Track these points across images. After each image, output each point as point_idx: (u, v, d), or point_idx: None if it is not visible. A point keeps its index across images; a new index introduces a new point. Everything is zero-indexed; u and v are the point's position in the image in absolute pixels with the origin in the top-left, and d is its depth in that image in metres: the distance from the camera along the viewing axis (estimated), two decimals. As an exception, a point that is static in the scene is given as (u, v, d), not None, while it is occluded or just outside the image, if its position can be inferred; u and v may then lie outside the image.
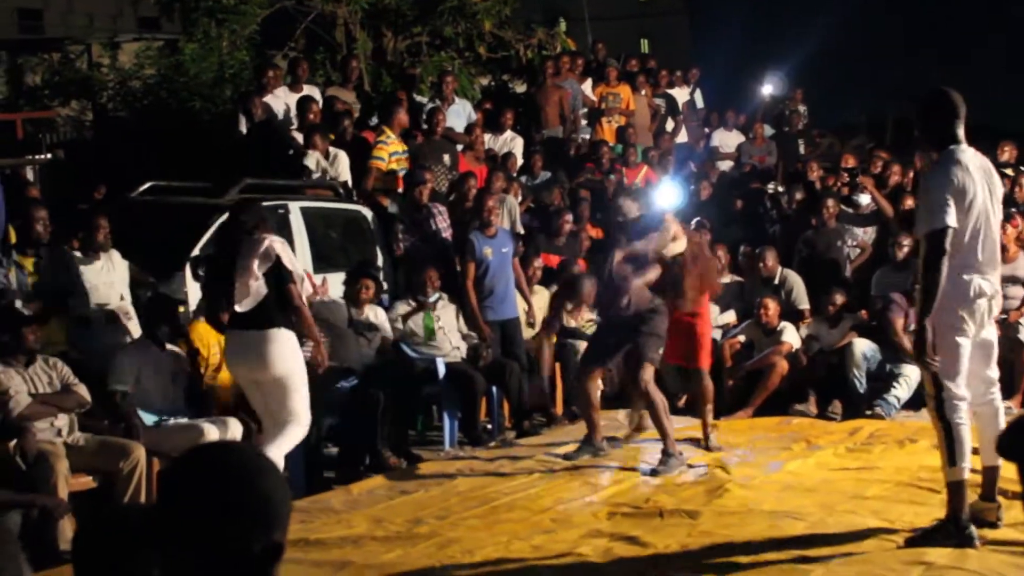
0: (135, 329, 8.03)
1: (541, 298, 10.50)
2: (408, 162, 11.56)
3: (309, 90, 12.21)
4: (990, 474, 6.04)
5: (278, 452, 6.84)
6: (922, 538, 5.92)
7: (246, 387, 7.30)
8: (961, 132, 5.86)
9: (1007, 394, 9.81)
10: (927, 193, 5.90)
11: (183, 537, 1.99)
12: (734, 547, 6.09)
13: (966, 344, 5.88)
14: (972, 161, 5.84)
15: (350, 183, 10.90)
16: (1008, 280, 10.16)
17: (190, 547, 1.99)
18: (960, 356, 5.86)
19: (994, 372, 6.16)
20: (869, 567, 5.70)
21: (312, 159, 10.73)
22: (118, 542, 2.45)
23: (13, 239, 8.23)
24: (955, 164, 5.77)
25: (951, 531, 5.81)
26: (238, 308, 6.94)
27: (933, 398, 5.88)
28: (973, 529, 5.79)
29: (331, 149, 10.94)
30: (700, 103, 17.65)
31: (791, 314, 10.49)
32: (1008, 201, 10.85)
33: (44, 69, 19.57)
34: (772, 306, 10.21)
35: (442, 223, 10.49)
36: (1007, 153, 12.59)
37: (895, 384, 9.78)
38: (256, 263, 6.85)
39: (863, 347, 9.93)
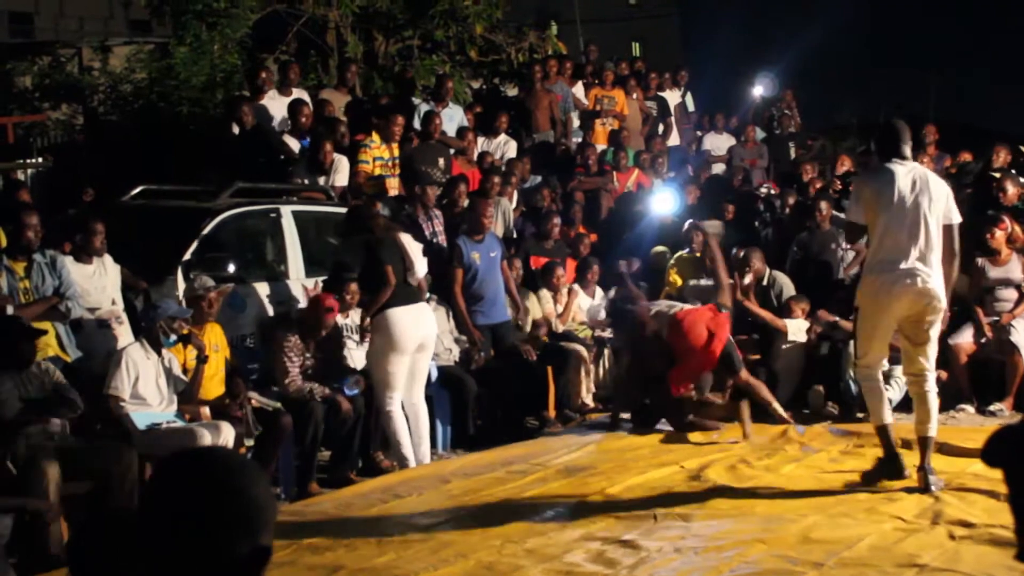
0: (127, 333, 8.02)
1: (528, 301, 10.50)
2: (394, 168, 11.56)
3: (298, 93, 12.21)
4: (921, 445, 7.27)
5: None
6: (870, 475, 7.26)
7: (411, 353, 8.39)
8: (907, 150, 7.19)
9: (998, 396, 9.87)
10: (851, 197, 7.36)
11: (168, 542, 1.99)
12: (728, 550, 6.09)
13: (883, 325, 7.16)
14: (904, 173, 7.06)
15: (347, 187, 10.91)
16: (1000, 283, 10.20)
17: (175, 552, 1.99)
18: (875, 334, 7.19)
19: (930, 352, 7.35)
20: (863, 569, 5.70)
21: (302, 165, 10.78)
22: (115, 546, 2.44)
23: (3, 243, 8.21)
24: (882, 174, 7.11)
25: (887, 467, 7.22)
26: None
27: (854, 365, 7.53)
28: (902, 459, 7.20)
29: (335, 155, 10.95)
30: (691, 106, 17.67)
31: (780, 315, 10.49)
32: (995, 205, 10.91)
33: (34, 73, 19.52)
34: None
35: (438, 227, 10.48)
36: (1001, 157, 12.60)
37: (887, 386, 9.77)
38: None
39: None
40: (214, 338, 8.05)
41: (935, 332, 7.28)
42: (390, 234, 8.71)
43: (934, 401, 7.35)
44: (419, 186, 10.60)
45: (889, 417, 7.31)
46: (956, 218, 7.11)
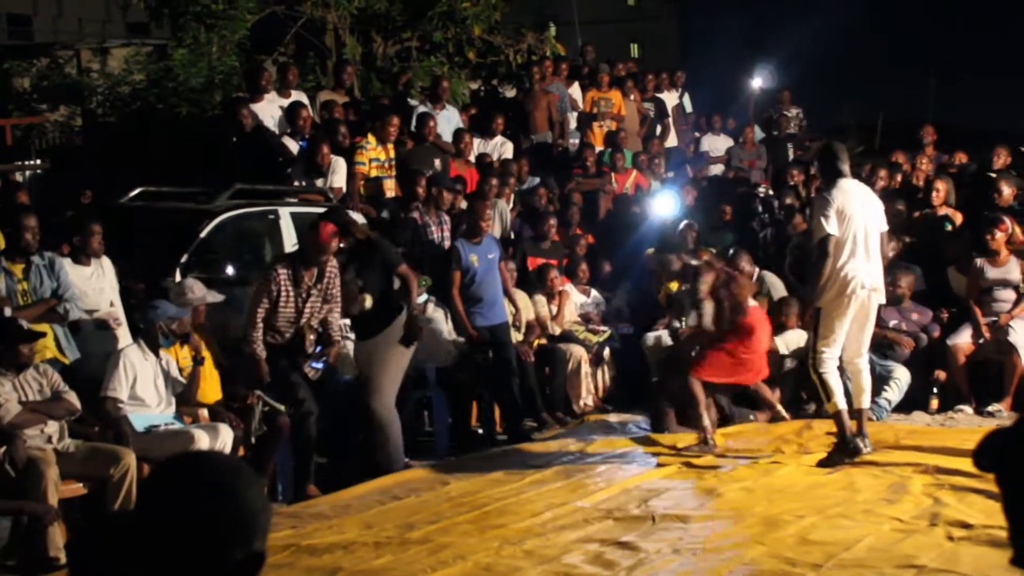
0: (125, 335, 8.01)
1: (523, 300, 10.50)
2: (391, 170, 11.56)
3: (297, 95, 12.22)
4: (856, 416, 8.13)
5: None
6: (826, 459, 7.95)
7: None
8: (847, 168, 8.13)
9: (997, 397, 9.87)
10: (815, 211, 8.01)
11: (163, 545, 2.00)
12: (726, 552, 6.10)
13: (844, 321, 7.97)
14: (854, 188, 8.09)
15: (345, 189, 10.89)
16: (998, 283, 10.20)
17: (170, 556, 1.99)
18: (837, 329, 7.97)
19: (867, 339, 8.29)
20: (861, 571, 5.71)
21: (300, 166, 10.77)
22: (114, 548, 2.44)
23: (1, 245, 8.20)
24: (841, 190, 7.94)
25: (842, 448, 7.96)
26: None
27: (812, 357, 8.02)
28: (858, 442, 7.93)
29: (331, 156, 10.95)
30: (689, 107, 17.67)
31: (781, 316, 10.46)
32: (993, 206, 10.92)
33: (33, 74, 19.54)
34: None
35: (446, 232, 10.45)
36: (1001, 159, 12.60)
37: (886, 387, 9.79)
38: None
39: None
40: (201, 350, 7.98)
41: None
42: (372, 236, 8.71)
43: (868, 376, 8.36)
44: (436, 187, 10.59)
45: (844, 403, 8.02)
46: (885, 226, 8.25)
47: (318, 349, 8.24)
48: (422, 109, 12.99)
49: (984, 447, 2.34)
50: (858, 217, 7.95)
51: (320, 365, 8.20)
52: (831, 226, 7.83)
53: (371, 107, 13.21)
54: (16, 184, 12.76)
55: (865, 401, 8.29)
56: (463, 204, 10.98)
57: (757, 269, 10.86)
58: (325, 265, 8.23)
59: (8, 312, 7.22)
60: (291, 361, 8.17)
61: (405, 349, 8.43)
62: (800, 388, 10.12)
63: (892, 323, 10.18)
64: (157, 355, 7.58)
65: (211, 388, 7.97)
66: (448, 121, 13.13)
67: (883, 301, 8.34)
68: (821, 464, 7.96)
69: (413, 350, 8.57)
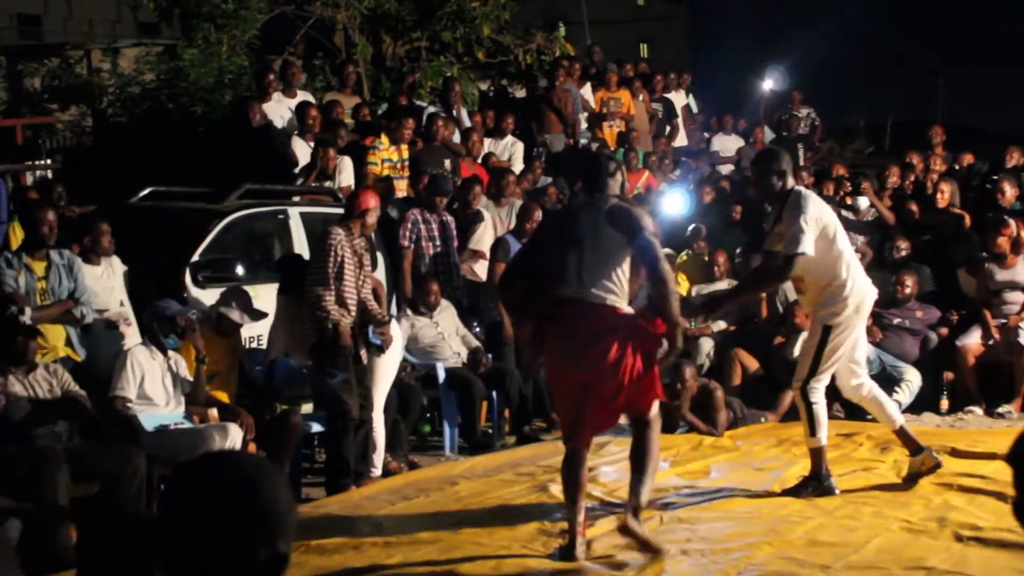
0: (134, 335, 8.04)
1: None
2: (403, 171, 11.57)
3: (303, 95, 12.23)
4: (903, 433, 7.42)
5: None
6: (792, 491, 7.22)
7: None
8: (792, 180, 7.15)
9: (1007, 398, 9.86)
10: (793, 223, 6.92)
11: (186, 546, 1.99)
12: (734, 553, 6.09)
13: (848, 345, 7.14)
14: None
15: (353, 188, 10.91)
16: (1007, 285, 10.19)
17: (193, 557, 1.98)
18: (840, 354, 7.12)
19: (862, 356, 7.42)
20: (870, 572, 5.70)
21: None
22: (123, 548, 2.45)
23: (16, 242, 8.25)
24: (812, 201, 7.00)
25: (814, 485, 7.17)
26: None
27: (802, 381, 7.14)
28: (832, 480, 7.19)
29: (338, 156, 10.97)
30: (695, 108, 17.68)
31: (793, 317, 10.45)
32: (997, 207, 10.91)
33: (44, 75, 19.56)
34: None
35: (451, 231, 10.45)
36: (1014, 159, 12.57)
37: (897, 388, 9.77)
38: None
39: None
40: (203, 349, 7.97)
41: None
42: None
43: (879, 389, 7.60)
44: (432, 189, 10.61)
45: (826, 439, 7.24)
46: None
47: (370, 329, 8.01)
48: (431, 111, 13.00)
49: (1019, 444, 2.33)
50: (841, 226, 7.19)
51: (380, 342, 8.03)
52: (807, 243, 6.84)
53: (388, 108, 13.19)
54: (25, 187, 12.79)
55: (898, 415, 7.58)
56: (480, 202, 10.96)
57: None
58: (370, 233, 8.14)
59: (28, 312, 7.27)
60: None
61: (391, 358, 8.37)
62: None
63: (896, 321, 10.19)
64: (165, 354, 7.59)
65: (224, 387, 7.98)
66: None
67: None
68: (786, 493, 7.26)
69: (399, 359, 8.56)
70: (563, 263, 6.06)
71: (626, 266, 6.06)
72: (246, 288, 8.52)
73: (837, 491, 7.16)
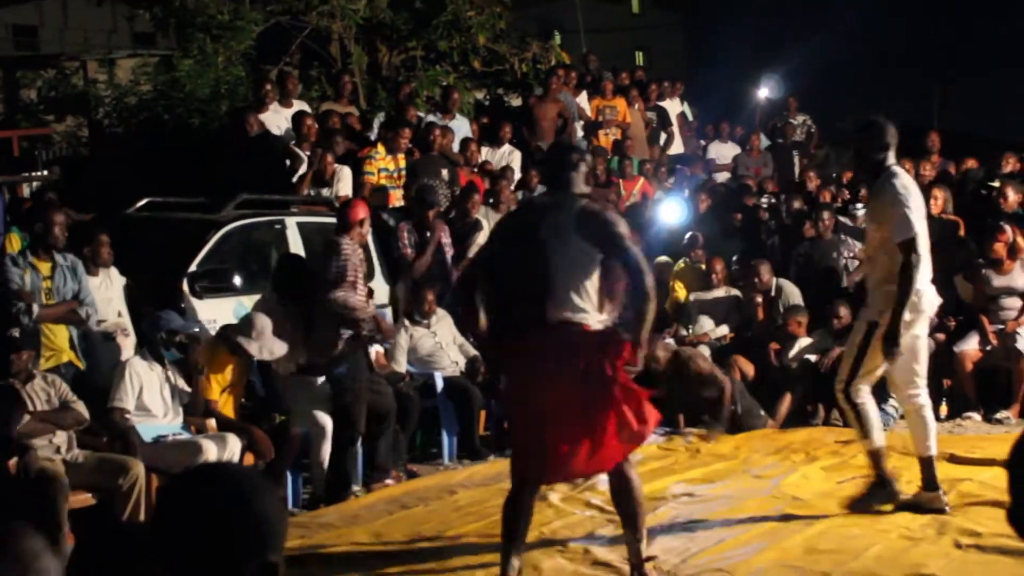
0: (132, 346, 8.03)
1: None
2: (400, 180, 11.57)
3: (299, 105, 12.24)
4: (928, 464, 6.82)
5: None
6: (861, 501, 6.79)
7: None
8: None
9: (1005, 404, 9.86)
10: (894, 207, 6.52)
11: (179, 556, 2.00)
12: (734, 561, 6.08)
13: (907, 347, 6.58)
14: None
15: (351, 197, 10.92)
16: (1004, 291, 10.19)
17: (186, 566, 1.99)
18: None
19: (924, 365, 6.87)
20: (870, 579, 5.70)
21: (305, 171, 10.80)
22: (119, 558, 2.45)
23: (16, 247, 8.28)
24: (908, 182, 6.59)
25: (878, 491, 6.76)
26: None
27: (844, 382, 6.73)
28: (896, 485, 6.78)
29: (335, 166, 10.97)
30: (690, 116, 17.70)
31: (787, 326, 10.46)
32: (998, 212, 10.91)
33: (40, 85, 19.58)
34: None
35: (444, 239, 10.45)
36: (1010, 164, 12.59)
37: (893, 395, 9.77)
38: None
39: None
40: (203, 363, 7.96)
41: None
42: None
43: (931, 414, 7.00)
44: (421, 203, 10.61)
45: (883, 439, 6.83)
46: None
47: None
48: (430, 119, 13.01)
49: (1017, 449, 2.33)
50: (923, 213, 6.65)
51: (383, 346, 8.21)
52: (916, 223, 6.43)
53: (386, 118, 13.20)
54: (22, 199, 12.80)
55: (934, 444, 6.83)
56: (479, 211, 10.98)
57: (775, 278, 10.85)
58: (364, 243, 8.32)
59: (35, 309, 7.39)
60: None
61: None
62: (808, 397, 10.13)
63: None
64: (163, 365, 7.58)
65: (227, 401, 7.97)
66: (457, 130, 13.16)
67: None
68: (852, 508, 6.81)
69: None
70: (524, 275, 5.40)
71: (596, 277, 5.41)
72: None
73: (901, 496, 6.76)
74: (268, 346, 7.90)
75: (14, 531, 1.91)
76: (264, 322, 7.91)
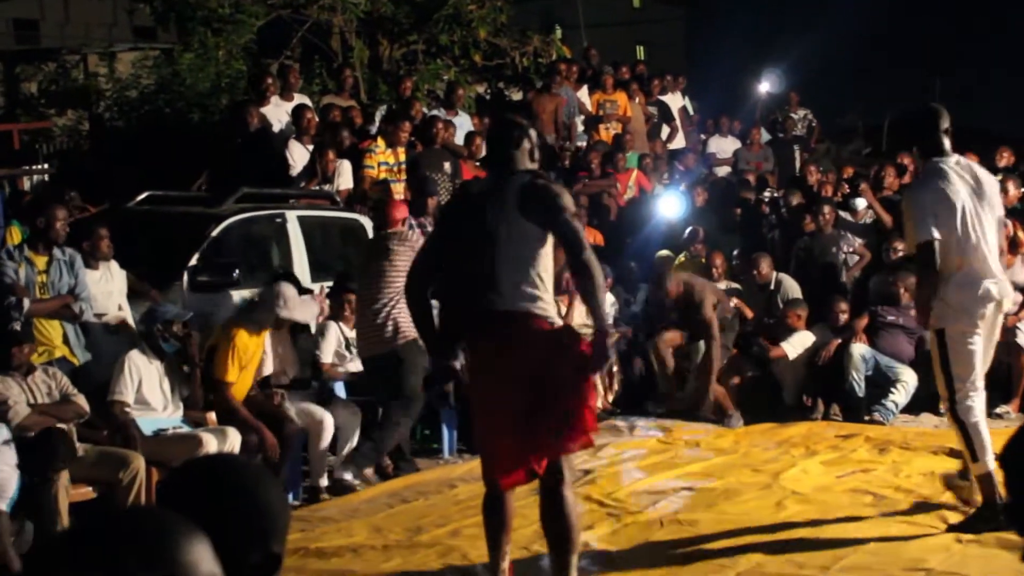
0: (131, 340, 8.03)
1: None
2: (400, 173, 11.56)
3: (300, 98, 12.23)
4: (987, 480, 6.25)
5: None
6: (964, 525, 6.23)
7: None
8: (947, 143, 6.30)
9: (1005, 399, 9.86)
10: (911, 207, 6.30)
11: None
12: (734, 555, 6.09)
13: (978, 346, 6.26)
14: (956, 170, 6.24)
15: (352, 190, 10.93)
16: (1005, 285, 10.17)
17: None
18: (972, 359, 6.24)
19: (980, 372, 6.41)
20: (869, 573, 5.71)
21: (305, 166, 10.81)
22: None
23: (15, 240, 8.27)
24: (939, 177, 6.19)
25: (988, 516, 6.08)
26: None
27: (947, 400, 6.30)
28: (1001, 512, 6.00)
29: (337, 159, 10.97)
30: (691, 110, 17.69)
31: (786, 319, 10.46)
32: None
33: (40, 79, 19.57)
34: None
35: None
36: (1004, 159, 12.59)
37: (893, 389, 9.78)
38: None
39: (861, 351, 9.93)
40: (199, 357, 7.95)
41: None
42: None
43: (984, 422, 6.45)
44: (421, 193, 10.61)
45: (993, 463, 6.03)
46: (1001, 210, 6.64)
47: None
48: (431, 114, 13.00)
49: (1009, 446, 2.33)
50: (969, 205, 6.21)
51: None
52: (928, 228, 6.09)
53: (387, 111, 13.19)
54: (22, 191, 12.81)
55: (991, 460, 6.13)
56: None
57: (775, 272, 10.86)
58: None
59: (27, 303, 7.30)
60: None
61: None
62: (805, 392, 10.15)
63: (890, 319, 10.20)
64: (162, 358, 7.58)
65: (245, 378, 7.96)
66: (460, 125, 13.15)
67: (1011, 310, 6.77)
68: (955, 528, 6.28)
69: None
70: (472, 267, 5.10)
71: (547, 261, 5.10)
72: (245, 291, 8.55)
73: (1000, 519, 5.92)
74: (303, 310, 8.04)
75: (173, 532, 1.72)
76: (289, 290, 7.96)
